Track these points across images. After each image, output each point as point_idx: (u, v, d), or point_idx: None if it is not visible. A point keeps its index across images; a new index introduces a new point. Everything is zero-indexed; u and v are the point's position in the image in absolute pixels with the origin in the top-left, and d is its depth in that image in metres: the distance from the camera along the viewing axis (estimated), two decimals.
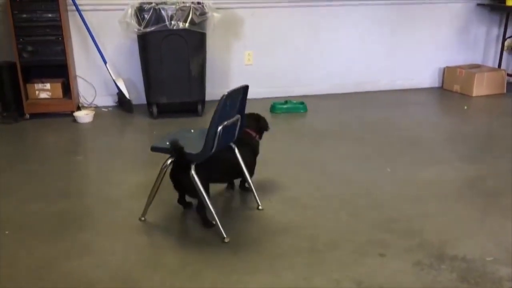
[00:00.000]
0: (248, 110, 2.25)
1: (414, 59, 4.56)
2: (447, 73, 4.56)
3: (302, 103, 3.95)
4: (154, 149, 2.07)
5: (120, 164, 2.87)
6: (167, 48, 3.50)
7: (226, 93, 1.94)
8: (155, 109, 3.69)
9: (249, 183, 2.33)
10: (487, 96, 4.29)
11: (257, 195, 2.33)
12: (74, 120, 3.61)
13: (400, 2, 4.36)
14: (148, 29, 3.41)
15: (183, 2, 3.46)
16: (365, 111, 3.95)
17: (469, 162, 2.87)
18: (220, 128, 1.96)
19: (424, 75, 4.63)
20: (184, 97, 3.68)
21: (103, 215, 2.26)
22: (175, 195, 2.23)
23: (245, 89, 2.12)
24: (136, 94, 3.93)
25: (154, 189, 2.16)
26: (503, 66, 4.59)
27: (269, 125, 2.50)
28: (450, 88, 4.50)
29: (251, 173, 2.37)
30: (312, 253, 1.93)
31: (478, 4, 4.47)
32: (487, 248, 1.95)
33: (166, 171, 2.09)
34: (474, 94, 4.28)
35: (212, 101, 4.06)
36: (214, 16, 3.52)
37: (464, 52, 4.63)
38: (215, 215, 2.03)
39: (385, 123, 3.63)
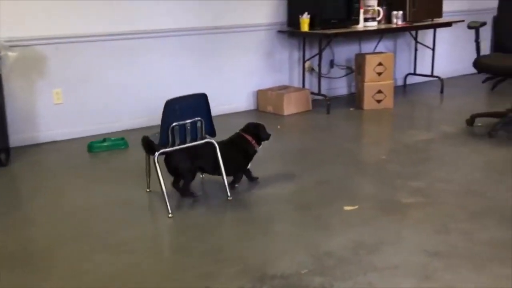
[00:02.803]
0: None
1: (230, 85, 4.77)
2: (260, 95, 4.88)
3: (122, 139, 3.81)
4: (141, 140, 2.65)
5: None
6: None
7: (169, 99, 2.57)
8: None
9: (223, 178, 2.72)
10: (296, 113, 4.69)
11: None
12: None
13: (210, 32, 4.54)
14: None
15: None
16: None
17: (285, 178, 3.07)
18: (173, 125, 2.54)
19: (241, 99, 4.88)
20: None
21: None
22: None
23: (201, 96, 2.67)
24: None
25: (147, 168, 2.82)
26: (306, 85, 5.08)
27: (270, 135, 2.93)
28: (265, 109, 4.82)
29: (238, 172, 2.86)
30: None
31: (279, 31, 4.89)
32: (302, 261, 2.08)
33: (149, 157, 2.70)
34: (285, 113, 4.64)
35: (21, 148, 3.69)
36: (9, 56, 3.21)
37: (272, 75, 5.00)
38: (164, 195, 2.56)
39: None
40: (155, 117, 4.43)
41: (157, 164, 2.55)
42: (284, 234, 2.38)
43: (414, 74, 5.77)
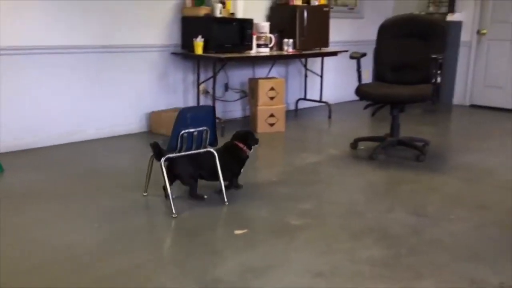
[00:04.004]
0: None
1: (120, 106, 4.60)
2: (153, 117, 4.77)
3: None
4: (150, 144, 2.83)
5: None
6: None
7: (183, 108, 2.82)
8: None
9: (221, 184, 2.97)
10: None
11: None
12: None
13: (100, 50, 4.36)
14: None
15: None
16: (73, 164, 3.74)
17: (174, 203, 2.99)
18: (182, 133, 2.73)
19: (132, 121, 4.72)
20: None
21: None
22: None
23: (209, 108, 2.92)
24: None
25: (148, 172, 3.02)
26: None
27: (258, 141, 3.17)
28: (158, 131, 4.71)
29: (233, 177, 3.13)
30: None
31: (172, 53, 4.85)
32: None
33: (152, 160, 2.90)
34: None
35: None
36: None
37: (166, 96, 4.92)
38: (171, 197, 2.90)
39: (95, 174, 3.51)
40: (37, 139, 4.17)
41: (164, 168, 2.76)
42: (171, 262, 2.30)
43: (305, 99, 6.03)
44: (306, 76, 5.97)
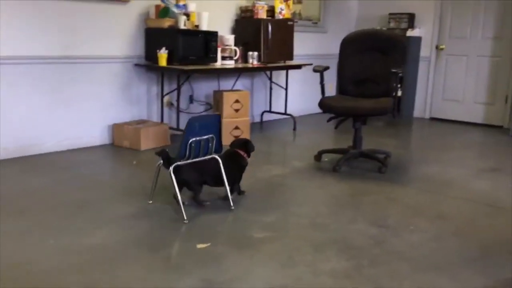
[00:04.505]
0: None
1: (81, 118, 4.50)
2: (116, 129, 4.68)
3: None
4: (156, 153, 2.96)
5: None
6: None
7: (192, 117, 2.96)
8: None
9: (226, 189, 3.09)
10: (154, 148, 4.56)
11: None
12: None
13: (59, 62, 4.27)
14: None
15: None
16: (28, 178, 3.61)
17: (136, 218, 2.93)
18: (191, 141, 2.85)
19: (94, 133, 4.62)
20: None
21: None
22: None
23: (216, 117, 3.06)
24: None
25: (154, 180, 3.12)
26: (165, 120, 5.02)
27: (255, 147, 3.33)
28: (120, 144, 4.63)
29: (234, 182, 3.23)
30: None
31: (136, 64, 4.79)
32: None
33: (160, 168, 3.01)
34: (142, 148, 4.50)
35: None
36: None
37: (129, 108, 4.85)
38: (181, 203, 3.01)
39: (51, 188, 3.40)
40: None
41: (172, 175, 2.85)
42: (131, 279, 2.24)
43: (270, 111, 6.07)
44: (271, 88, 6.01)
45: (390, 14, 6.88)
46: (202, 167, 3.04)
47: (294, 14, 6.33)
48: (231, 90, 5.21)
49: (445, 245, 2.67)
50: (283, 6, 5.53)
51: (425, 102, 6.85)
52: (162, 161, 2.94)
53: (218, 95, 4.96)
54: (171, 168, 2.87)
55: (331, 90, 6.26)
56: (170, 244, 2.61)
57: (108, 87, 4.66)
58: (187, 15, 4.77)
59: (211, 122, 3.01)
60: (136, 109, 4.91)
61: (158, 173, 3.07)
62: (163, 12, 4.68)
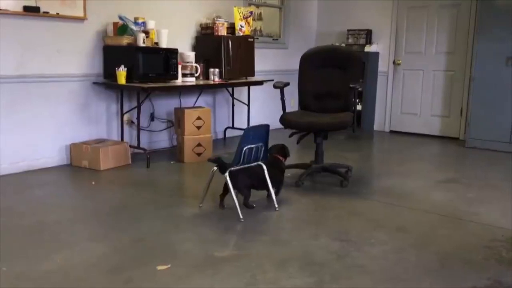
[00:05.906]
0: None
1: (38, 138, 4.37)
2: (74, 149, 4.56)
3: None
4: (209, 160, 3.33)
5: None
6: None
7: (247, 127, 3.47)
8: None
9: (270, 192, 3.41)
10: (114, 168, 4.49)
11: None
12: None
13: (12, 81, 4.14)
14: None
15: None
16: None
17: (94, 240, 2.85)
18: (245, 148, 3.14)
19: (51, 154, 4.49)
20: None
21: None
22: None
23: (266, 126, 3.29)
24: None
25: (207, 185, 3.40)
26: (125, 138, 4.93)
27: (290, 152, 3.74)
28: (79, 164, 4.51)
29: (279, 185, 3.60)
30: None
31: (94, 83, 4.70)
32: None
33: (214, 173, 3.31)
34: (102, 168, 4.40)
35: None
36: None
37: (88, 127, 4.74)
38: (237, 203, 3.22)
39: (5, 212, 3.27)
40: None
41: (228, 180, 3.15)
42: None
43: (233, 127, 6.06)
44: (233, 105, 6.02)
45: (349, 30, 7.05)
46: (251, 173, 3.32)
47: (254, 30, 6.40)
48: (193, 107, 5.18)
49: (405, 257, 2.71)
50: (243, 23, 5.58)
51: (385, 116, 7.01)
52: (216, 167, 3.25)
53: (179, 113, 4.92)
54: (227, 174, 3.16)
55: (293, 105, 6.32)
56: (129, 265, 2.54)
57: (66, 106, 4.55)
58: (146, 32, 4.74)
59: (262, 131, 3.29)
60: (95, 128, 4.81)
61: (212, 178, 3.35)
62: (122, 29, 4.63)
